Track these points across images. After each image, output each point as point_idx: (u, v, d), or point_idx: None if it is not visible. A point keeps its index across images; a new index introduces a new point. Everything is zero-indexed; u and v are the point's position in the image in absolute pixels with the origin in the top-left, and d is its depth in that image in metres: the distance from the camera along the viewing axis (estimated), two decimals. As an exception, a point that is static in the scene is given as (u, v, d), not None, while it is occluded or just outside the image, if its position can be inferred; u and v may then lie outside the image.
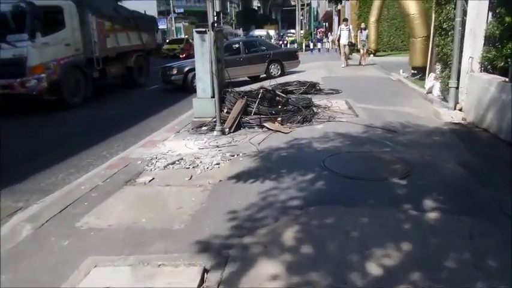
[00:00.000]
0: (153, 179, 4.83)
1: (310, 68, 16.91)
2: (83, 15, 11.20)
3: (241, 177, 4.70)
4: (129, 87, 13.89)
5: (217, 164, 5.28)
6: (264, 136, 6.48)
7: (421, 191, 4.13)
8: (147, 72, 15.27)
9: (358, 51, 18.79)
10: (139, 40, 14.25)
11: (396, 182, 4.33)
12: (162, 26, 44.87)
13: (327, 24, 44.03)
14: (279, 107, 7.50)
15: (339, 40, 17.33)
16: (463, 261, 2.88)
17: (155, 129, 7.84)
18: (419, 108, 8.44)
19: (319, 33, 38.82)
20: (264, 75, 14.32)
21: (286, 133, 6.60)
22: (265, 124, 6.96)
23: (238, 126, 7.03)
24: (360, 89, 10.92)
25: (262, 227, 3.44)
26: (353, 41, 17.56)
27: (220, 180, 4.66)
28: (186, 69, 12.65)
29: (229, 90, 7.64)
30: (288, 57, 15.27)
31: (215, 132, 6.76)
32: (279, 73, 14.41)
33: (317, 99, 9.01)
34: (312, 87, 10.51)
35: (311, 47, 31.64)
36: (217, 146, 6.08)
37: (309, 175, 4.62)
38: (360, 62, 17.23)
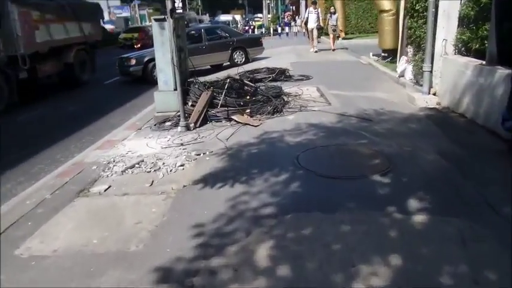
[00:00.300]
0: (109, 187, 4.31)
1: (278, 53, 16.47)
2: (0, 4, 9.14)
3: (208, 180, 4.26)
4: (71, 86, 11.88)
5: (181, 165, 4.80)
6: (233, 130, 6.04)
7: (403, 189, 3.81)
8: (93, 68, 13.27)
9: (326, 34, 18.38)
10: (80, 32, 12.15)
11: (377, 180, 3.99)
12: (125, 13, 43.25)
13: (293, 8, 43.42)
14: (248, 97, 7.05)
15: (306, 24, 16.87)
16: (459, 275, 2.55)
17: (115, 125, 7.27)
18: (392, 92, 8.18)
19: (287, 17, 38.20)
20: (228, 63, 13.87)
21: (255, 126, 6.19)
22: (233, 117, 6.51)
23: (205, 120, 6.55)
24: (330, 74, 10.59)
25: (232, 243, 3.01)
26: (322, 24, 17.11)
27: (184, 186, 4.20)
28: (146, 59, 11.85)
29: (194, 81, 7.12)
30: (252, 44, 14.90)
31: (179, 128, 6.26)
32: (243, 60, 14.01)
33: (287, 87, 8.62)
34: (282, 74, 10.10)
35: (279, 31, 31.10)
36: (182, 144, 5.59)
37: (282, 175, 4.23)
38: (331, 48, 16.74)
